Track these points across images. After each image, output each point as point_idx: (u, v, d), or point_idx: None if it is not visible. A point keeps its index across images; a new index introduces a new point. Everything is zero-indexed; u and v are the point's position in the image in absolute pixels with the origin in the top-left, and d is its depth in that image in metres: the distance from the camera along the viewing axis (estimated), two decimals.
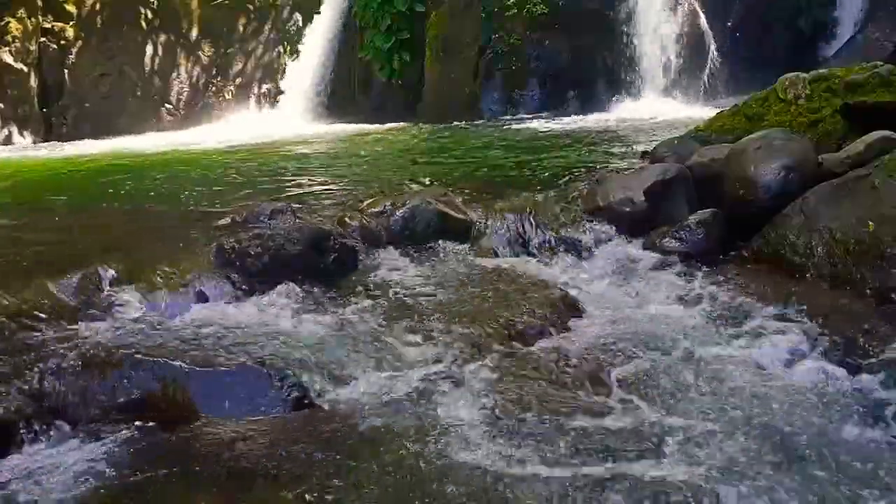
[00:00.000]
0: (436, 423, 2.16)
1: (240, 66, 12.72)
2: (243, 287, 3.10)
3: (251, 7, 12.61)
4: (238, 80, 12.71)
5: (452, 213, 3.78)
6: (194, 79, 12.37)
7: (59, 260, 3.22)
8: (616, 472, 1.89)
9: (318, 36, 12.52)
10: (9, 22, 10.74)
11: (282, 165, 6.47)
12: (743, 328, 2.69)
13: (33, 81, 11.08)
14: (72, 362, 2.38)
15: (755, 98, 4.45)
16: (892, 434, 2.01)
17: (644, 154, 4.86)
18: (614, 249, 3.58)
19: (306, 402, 2.29)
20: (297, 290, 3.12)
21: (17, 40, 10.80)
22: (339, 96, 12.26)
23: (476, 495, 1.83)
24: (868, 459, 1.89)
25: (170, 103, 12.17)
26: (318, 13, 12.50)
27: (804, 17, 9.53)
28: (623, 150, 5.81)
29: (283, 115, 12.35)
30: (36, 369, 2.34)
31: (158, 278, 3.06)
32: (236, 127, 11.53)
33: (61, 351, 2.44)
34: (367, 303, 3.00)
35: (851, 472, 1.85)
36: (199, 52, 12.35)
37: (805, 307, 2.78)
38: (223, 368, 2.36)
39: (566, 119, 9.26)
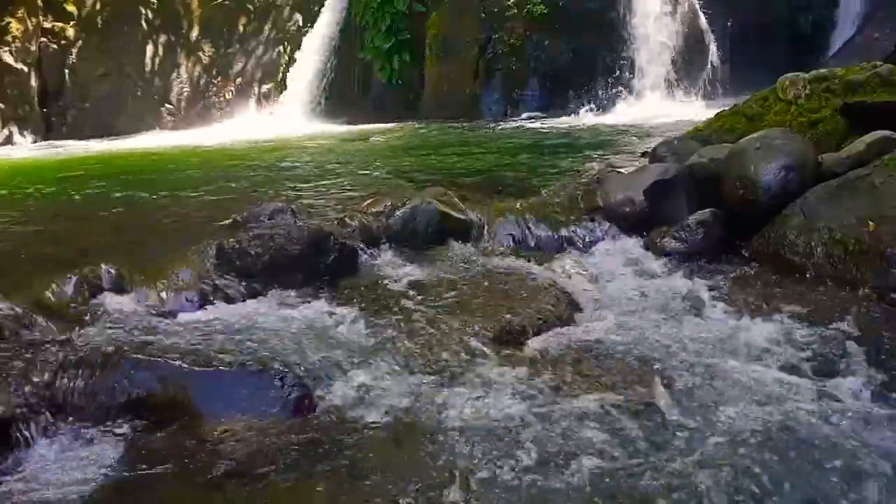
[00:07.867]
0: (437, 422, 2.16)
1: (240, 66, 12.71)
2: (244, 287, 3.11)
3: (251, 7, 12.61)
4: (238, 81, 12.71)
5: (452, 212, 3.78)
6: (194, 79, 12.36)
7: (59, 260, 3.22)
8: (629, 465, 1.90)
9: (319, 36, 12.52)
10: (9, 22, 10.73)
11: (282, 165, 6.47)
12: (742, 327, 2.69)
13: (33, 81, 11.05)
14: (72, 362, 2.38)
15: (755, 98, 4.45)
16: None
17: (644, 154, 4.86)
18: (614, 249, 3.59)
19: (307, 402, 2.29)
20: (298, 290, 3.13)
21: (17, 40, 10.79)
22: (339, 96, 12.26)
23: (478, 495, 1.83)
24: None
25: (170, 103, 12.16)
26: (319, 13, 12.51)
27: (804, 17, 9.54)
28: (623, 150, 5.81)
29: (284, 115, 12.36)
30: (36, 369, 2.34)
31: (159, 278, 3.06)
32: (236, 127, 11.53)
33: (61, 351, 2.44)
34: (368, 303, 3.00)
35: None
36: (199, 52, 12.35)
37: (805, 307, 2.79)
38: (224, 369, 2.36)
39: (566, 119, 9.27)
